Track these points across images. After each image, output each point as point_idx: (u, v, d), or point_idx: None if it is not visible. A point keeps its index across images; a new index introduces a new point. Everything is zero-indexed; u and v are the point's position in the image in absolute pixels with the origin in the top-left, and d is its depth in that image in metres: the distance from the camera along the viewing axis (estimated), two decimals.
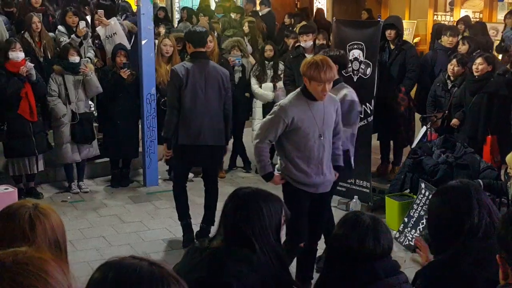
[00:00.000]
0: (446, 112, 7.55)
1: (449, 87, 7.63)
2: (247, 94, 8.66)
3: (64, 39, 8.45)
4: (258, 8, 13.92)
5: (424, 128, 7.65)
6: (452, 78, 7.60)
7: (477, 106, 7.23)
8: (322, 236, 5.44)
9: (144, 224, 7.05)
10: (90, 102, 8.03)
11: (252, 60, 9.36)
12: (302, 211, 5.12)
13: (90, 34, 8.73)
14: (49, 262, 1.44)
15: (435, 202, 2.84)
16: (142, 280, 1.54)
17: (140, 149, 8.28)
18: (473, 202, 2.68)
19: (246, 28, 11.18)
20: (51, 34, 8.68)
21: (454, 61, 7.62)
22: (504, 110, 7.21)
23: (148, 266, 1.57)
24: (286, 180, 5.07)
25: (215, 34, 9.62)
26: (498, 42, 10.46)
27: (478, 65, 7.21)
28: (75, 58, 7.69)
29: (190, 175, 7.43)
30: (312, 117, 4.91)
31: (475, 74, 7.23)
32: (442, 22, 12.30)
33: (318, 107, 4.95)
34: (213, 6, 15.76)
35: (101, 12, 8.95)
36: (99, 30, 8.76)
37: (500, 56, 9.65)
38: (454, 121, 7.42)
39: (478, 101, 7.22)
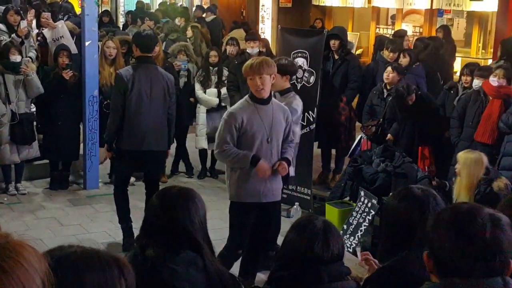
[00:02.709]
0: (381, 120, 7.61)
1: (385, 96, 7.68)
2: (191, 99, 8.60)
3: (5, 38, 8.23)
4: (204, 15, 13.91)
5: (360, 135, 7.72)
6: (388, 86, 7.64)
7: (411, 123, 7.31)
8: None
9: (83, 227, 6.92)
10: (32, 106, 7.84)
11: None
12: (245, 223, 5.10)
13: (32, 33, 8.52)
14: (27, 249, 1.44)
15: (392, 205, 2.81)
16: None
17: (81, 152, 8.13)
18: (428, 214, 2.63)
19: (189, 32, 11.16)
20: None
21: (389, 68, 7.64)
22: (435, 121, 7.34)
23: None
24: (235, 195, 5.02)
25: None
26: None
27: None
28: (16, 57, 7.50)
29: (132, 179, 7.33)
30: (260, 120, 4.90)
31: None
32: (384, 34, 12.51)
33: (267, 111, 4.95)
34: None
35: (48, 14, 8.76)
36: (46, 32, 8.57)
37: None
38: (389, 136, 7.43)
39: (411, 118, 7.29)
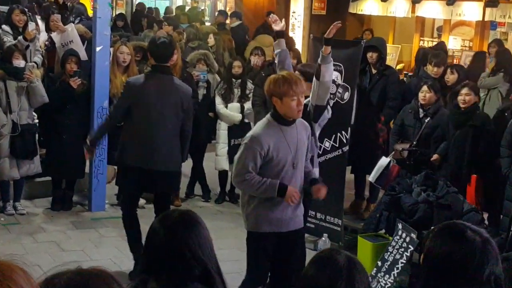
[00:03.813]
0: (414, 143, 7.54)
1: (420, 116, 7.57)
2: (211, 114, 8.61)
3: (8, 39, 8.33)
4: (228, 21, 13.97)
5: (386, 159, 7.60)
6: (424, 106, 7.53)
7: (462, 141, 7.24)
8: None
9: (86, 253, 6.92)
10: (34, 113, 7.90)
11: (217, 76, 9.34)
12: (265, 255, 5.06)
13: (38, 37, 8.62)
14: (17, 271, 1.48)
15: (444, 248, 2.62)
16: None
17: (87, 169, 8.16)
18: (485, 263, 2.54)
19: (211, 40, 11.19)
20: None
21: (425, 87, 7.52)
22: (491, 148, 7.24)
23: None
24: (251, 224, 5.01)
25: None
26: None
27: (465, 96, 7.25)
28: (19, 62, 7.57)
29: (142, 201, 7.34)
30: (286, 145, 4.88)
31: (462, 106, 7.27)
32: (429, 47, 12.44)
33: (292, 132, 4.94)
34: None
35: (57, 16, 8.85)
36: (55, 36, 8.65)
37: None
38: (435, 157, 7.37)
39: (463, 135, 7.23)
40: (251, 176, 4.81)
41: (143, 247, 2.83)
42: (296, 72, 6.05)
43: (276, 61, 6.29)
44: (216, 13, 16.09)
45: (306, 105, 5.82)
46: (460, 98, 7.28)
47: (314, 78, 5.72)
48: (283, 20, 6.40)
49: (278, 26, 6.17)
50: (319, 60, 5.70)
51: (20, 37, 8.32)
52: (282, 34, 6.21)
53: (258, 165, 4.84)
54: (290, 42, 10.38)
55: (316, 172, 5.48)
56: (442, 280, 2.55)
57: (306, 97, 5.86)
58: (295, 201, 4.89)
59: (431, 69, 8.44)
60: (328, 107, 5.98)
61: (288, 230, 5.03)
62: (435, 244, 2.64)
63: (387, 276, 6.30)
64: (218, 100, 8.50)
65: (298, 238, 5.25)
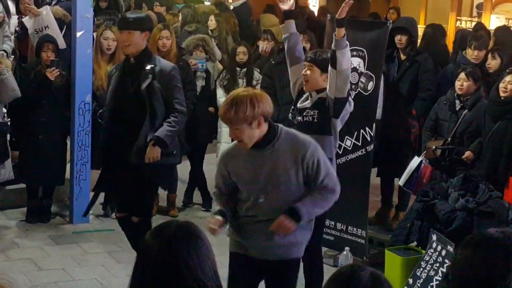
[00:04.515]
0: (449, 140, 7.53)
1: (457, 108, 7.58)
2: (211, 109, 8.62)
3: None
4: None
5: (417, 159, 7.59)
6: (462, 97, 7.54)
7: (499, 136, 7.22)
8: None
9: (67, 272, 6.95)
10: (4, 110, 7.93)
11: (219, 65, 9.34)
12: (235, 280, 4.89)
13: (7, 20, 8.64)
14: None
15: (466, 256, 2.72)
16: None
17: (68, 175, 8.19)
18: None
19: (212, 23, 11.17)
20: None
21: (462, 74, 7.52)
22: None
23: None
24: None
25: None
26: None
27: (507, 84, 7.21)
28: None
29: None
30: (251, 172, 4.66)
31: (502, 95, 7.24)
32: (468, 29, 12.44)
33: (263, 158, 4.62)
34: None
35: None
36: (27, 21, 8.67)
37: None
38: (467, 154, 7.36)
39: (501, 129, 7.20)
40: (218, 193, 4.84)
41: (134, 265, 2.82)
42: (306, 62, 5.99)
43: (285, 48, 6.24)
44: None
45: (324, 99, 5.82)
46: (502, 85, 7.24)
47: (329, 67, 5.70)
48: None
49: (286, 5, 6.09)
50: (332, 45, 5.68)
51: None
52: (291, 15, 6.13)
53: (225, 185, 4.79)
54: (310, 16, 10.27)
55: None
56: None
57: (322, 89, 5.88)
58: (212, 233, 4.65)
59: (471, 53, 8.42)
60: (350, 98, 5.97)
61: (264, 258, 4.78)
62: (459, 254, 2.72)
63: None
64: (220, 93, 8.50)
65: (286, 270, 4.89)
